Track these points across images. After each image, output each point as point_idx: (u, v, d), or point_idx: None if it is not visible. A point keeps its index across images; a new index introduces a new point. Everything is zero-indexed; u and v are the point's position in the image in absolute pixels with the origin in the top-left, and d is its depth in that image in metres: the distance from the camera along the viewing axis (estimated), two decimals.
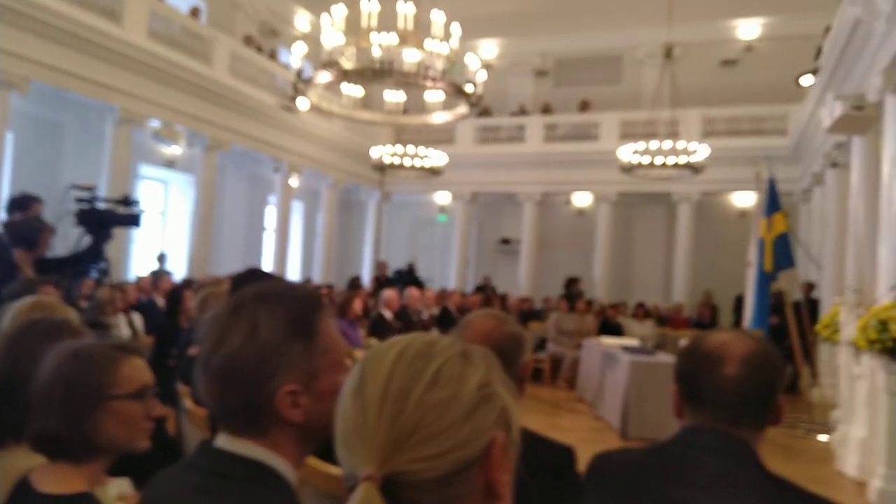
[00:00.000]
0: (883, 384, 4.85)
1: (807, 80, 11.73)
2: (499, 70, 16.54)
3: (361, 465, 0.73)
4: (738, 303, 11.16)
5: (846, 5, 7.19)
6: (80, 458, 1.41)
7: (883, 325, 4.67)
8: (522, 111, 16.22)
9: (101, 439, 1.42)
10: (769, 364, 1.36)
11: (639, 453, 1.42)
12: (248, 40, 12.68)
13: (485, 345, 1.62)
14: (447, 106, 8.29)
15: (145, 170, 11.91)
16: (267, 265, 13.64)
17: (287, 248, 13.39)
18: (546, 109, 15.92)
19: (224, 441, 1.05)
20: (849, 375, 6.08)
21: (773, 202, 8.25)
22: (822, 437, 7.10)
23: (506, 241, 16.77)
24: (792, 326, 8.25)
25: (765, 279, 8.21)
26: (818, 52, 11.02)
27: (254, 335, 1.03)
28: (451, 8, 8.11)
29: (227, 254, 13.32)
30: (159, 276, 8.97)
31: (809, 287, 10.50)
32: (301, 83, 7.30)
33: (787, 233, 8.19)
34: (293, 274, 14.54)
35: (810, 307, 9.36)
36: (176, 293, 5.28)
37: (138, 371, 1.49)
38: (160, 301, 7.70)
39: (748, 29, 14.93)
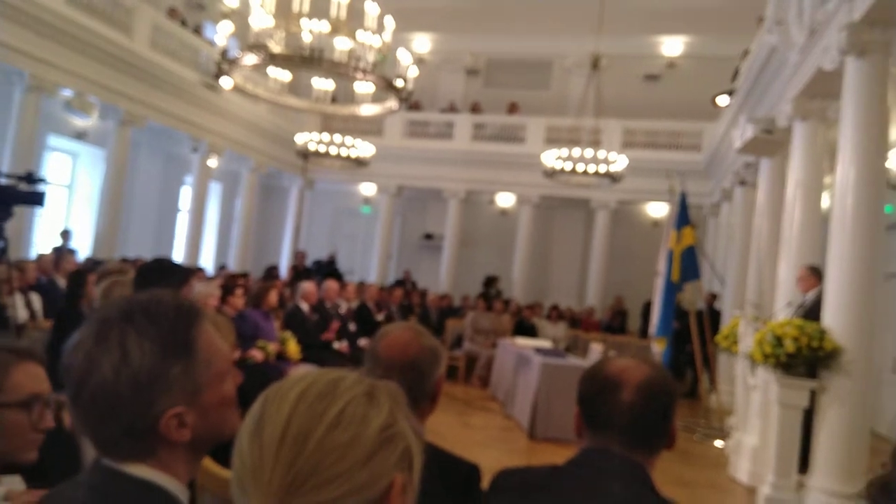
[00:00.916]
0: (775, 396, 5.13)
1: (723, 101, 12.27)
2: (430, 65, 16.53)
3: None
4: (647, 309, 11.59)
5: (764, 33, 7.56)
6: None
7: (778, 340, 4.92)
8: (452, 108, 16.28)
9: None
10: (664, 392, 1.42)
11: (540, 473, 1.45)
12: (173, 13, 12.17)
13: (402, 358, 1.64)
14: (377, 98, 8.21)
15: (53, 141, 11.26)
16: (179, 248, 13.17)
17: (202, 232, 12.94)
18: (475, 108, 16.03)
19: (111, 462, 0.99)
20: (744, 385, 6.41)
21: (683, 216, 8.62)
22: (718, 443, 7.46)
23: (429, 237, 16.80)
24: (694, 335, 8.64)
25: (671, 289, 8.57)
26: (735, 73, 11.55)
27: (126, 361, 0.95)
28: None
29: (136, 234, 12.78)
30: (62, 254, 8.51)
31: (712, 297, 11.01)
32: (225, 63, 7.06)
33: (695, 246, 8.57)
34: (207, 259, 14.08)
35: (712, 317, 9.81)
36: (79, 275, 5.01)
37: (30, 378, 1.39)
38: (61, 282, 7.30)
39: (672, 46, 15.48)
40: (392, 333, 1.72)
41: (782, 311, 5.89)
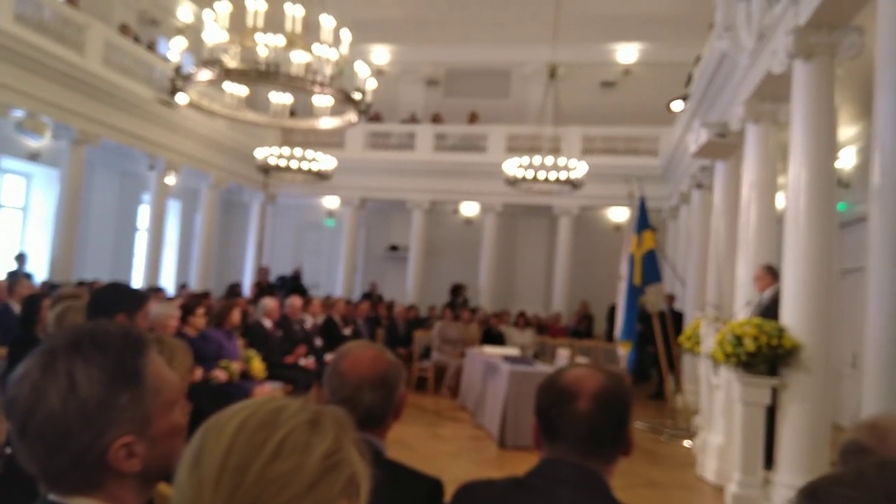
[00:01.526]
0: (738, 395, 5.21)
1: (677, 106, 12.49)
2: (390, 76, 16.54)
3: None
4: (612, 313, 11.70)
5: (715, 38, 7.72)
6: None
7: (738, 339, 5.01)
8: (413, 119, 16.29)
9: None
10: (619, 400, 1.43)
11: (501, 485, 1.46)
12: (125, 29, 11.97)
13: (371, 374, 1.64)
14: (336, 111, 8.17)
15: (6, 163, 11.00)
16: (138, 268, 12.91)
17: (161, 251, 12.70)
18: (436, 119, 16.07)
19: (58, 496, 0.96)
20: (708, 385, 6.50)
21: (643, 220, 8.74)
22: (686, 443, 7.54)
23: (394, 248, 16.76)
24: (658, 336, 8.75)
25: (634, 293, 8.68)
26: (689, 79, 11.78)
27: (73, 391, 0.93)
28: (343, 12, 8.01)
29: (93, 255, 12.50)
30: (17, 278, 8.27)
31: (671, 298, 11.17)
32: (180, 79, 6.96)
33: (655, 250, 8.70)
34: (167, 279, 13.82)
35: (675, 318, 9.95)
36: (33, 300, 4.88)
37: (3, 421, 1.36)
38: (16, 307, 7.08)
39: (626, 53, 15.74)
40: (354, 351, 1.72)
41: (741, 311, 6.00)
